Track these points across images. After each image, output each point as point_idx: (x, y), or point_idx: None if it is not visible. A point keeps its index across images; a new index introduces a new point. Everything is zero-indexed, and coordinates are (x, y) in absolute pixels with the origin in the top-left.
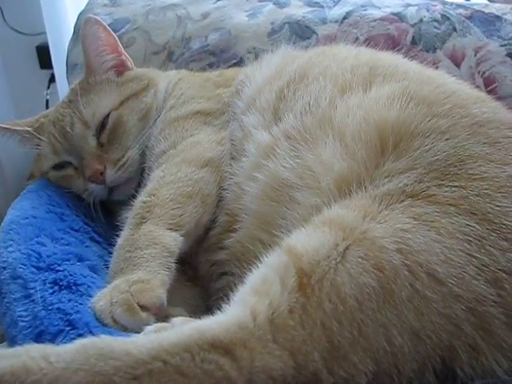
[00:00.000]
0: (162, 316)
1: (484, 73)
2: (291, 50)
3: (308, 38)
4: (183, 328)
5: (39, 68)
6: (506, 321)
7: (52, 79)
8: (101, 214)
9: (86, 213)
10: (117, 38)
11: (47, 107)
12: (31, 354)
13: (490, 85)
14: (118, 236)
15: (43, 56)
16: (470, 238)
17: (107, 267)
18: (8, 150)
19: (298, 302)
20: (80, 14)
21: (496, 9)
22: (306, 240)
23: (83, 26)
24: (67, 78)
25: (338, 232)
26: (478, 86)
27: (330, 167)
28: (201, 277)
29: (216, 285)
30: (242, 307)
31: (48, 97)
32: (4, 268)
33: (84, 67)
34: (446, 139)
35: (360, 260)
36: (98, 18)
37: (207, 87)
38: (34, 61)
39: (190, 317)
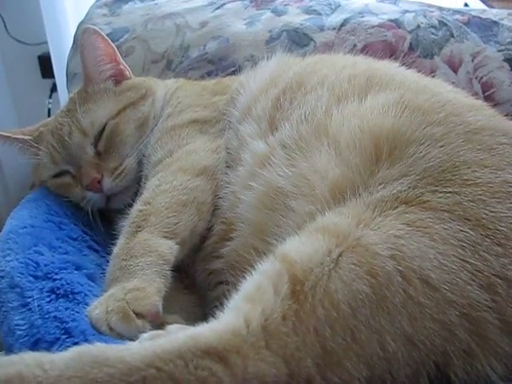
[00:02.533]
0: (159, 323)
1: (481, 78)
2: (286, 57)
3: (306, 45)
4: (177, 335)
5: (41, 77)
6: (500, 326)
7: (54, 88)
8: (99, 222)
9: (85, 222)
10: (115, 48)
11: (49, 116)
12: (26, 361)
13: (487, 90)
14: (114, 245)
15: (45, 65)
16: (464, 244)
17: (105, 276)
18: (10, 159)
19: (291, 308)
20: (80, 23)
21: (493, 14)
22: (300, 247)
23: (81, 36)
24: (67, 87)
25: (332, 239)
26: (475, 92)
27: (325, 175)
28: (198, 286)
29: (213, 294)
30: (235, 314)
31: (50, 106)
32: (2, 277)
33: (82, 77)
34: (441, 146)
35: (353, 266)
36: (95, 28)
37: (204, 95)
38: (35, 70)
39: (187, 325)
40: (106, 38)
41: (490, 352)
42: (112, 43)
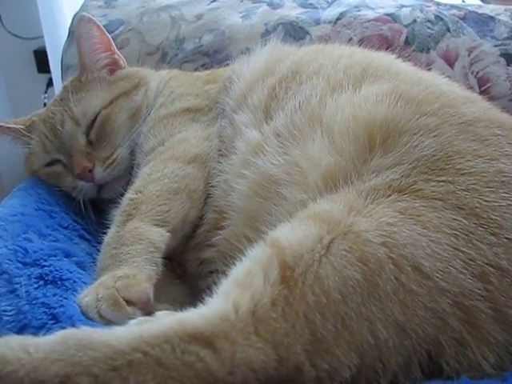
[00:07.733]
0: (149, 311)
1: (477, 73)
2: (280, 45)
3: (301, 38)
4: (164, 320)
5: (37, 72)
6: (492, 315)
7: (50, 83)
8: (91, 212)
9: (77, 211)
10: (110, 37)
11: None
12: (10, 344)
13: (483, 85)
14: (106, 234)
15: (41, 60)
16: (457, 233)
17: (96, 264)
18: (5, 151)
19: (280, 294)
20: (75, 15)
21: (490, 9)
22: (290, 233)
23: (77, 25)
24: (62, 79)
25: (323, 225)
26: (471, 87)
27: (318, 163)
28: (189, 275)
29: (204, 283)
30: (224, 299)
31: (46, 101)
32: None
33: (79, 65)
34: (434, 136)
35: (344, 253)
36: (91, 16)
37: (196, 85)
38: (31, 65)
39: None
40: (101, 26)
41: (482, 341)
42: (107, 32)
